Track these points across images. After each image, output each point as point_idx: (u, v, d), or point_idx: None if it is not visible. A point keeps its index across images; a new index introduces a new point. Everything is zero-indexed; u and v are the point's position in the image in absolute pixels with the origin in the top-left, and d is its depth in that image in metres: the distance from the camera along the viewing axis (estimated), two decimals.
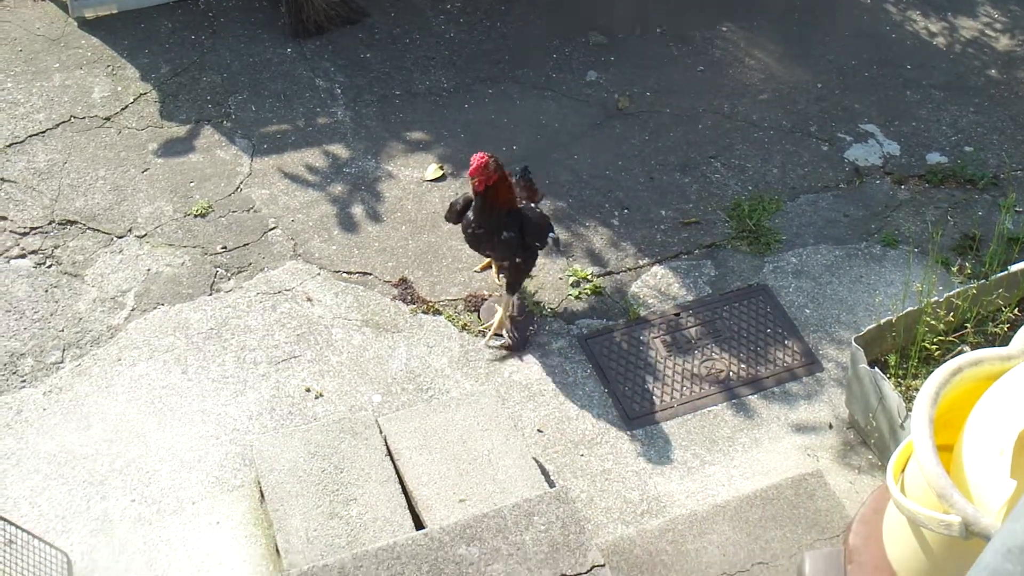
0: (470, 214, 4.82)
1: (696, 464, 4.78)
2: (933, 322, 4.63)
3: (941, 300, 4.67)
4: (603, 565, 3.24)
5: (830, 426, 4.96)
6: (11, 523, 4.21)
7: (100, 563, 4.36)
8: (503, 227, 4.76)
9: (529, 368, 5.07)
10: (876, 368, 4.50)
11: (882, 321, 4.67)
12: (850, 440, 4.90)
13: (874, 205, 6.00)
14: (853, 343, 4.59)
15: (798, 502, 4.06)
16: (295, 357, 5.07)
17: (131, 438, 4.74)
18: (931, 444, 2.46)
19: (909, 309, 4.69)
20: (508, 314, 5.19)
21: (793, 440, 4.90)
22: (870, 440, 4.78)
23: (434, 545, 3.24)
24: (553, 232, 5.04)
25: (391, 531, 4.09)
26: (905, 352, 4.71)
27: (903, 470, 2.76)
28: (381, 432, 4.49)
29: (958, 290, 4.72)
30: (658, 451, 4.82)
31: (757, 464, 4.78)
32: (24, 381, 4.93)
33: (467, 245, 5.06)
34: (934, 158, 6.27)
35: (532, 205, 5.02)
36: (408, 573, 3.17)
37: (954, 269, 5.49)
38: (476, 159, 4.47)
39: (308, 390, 4.95)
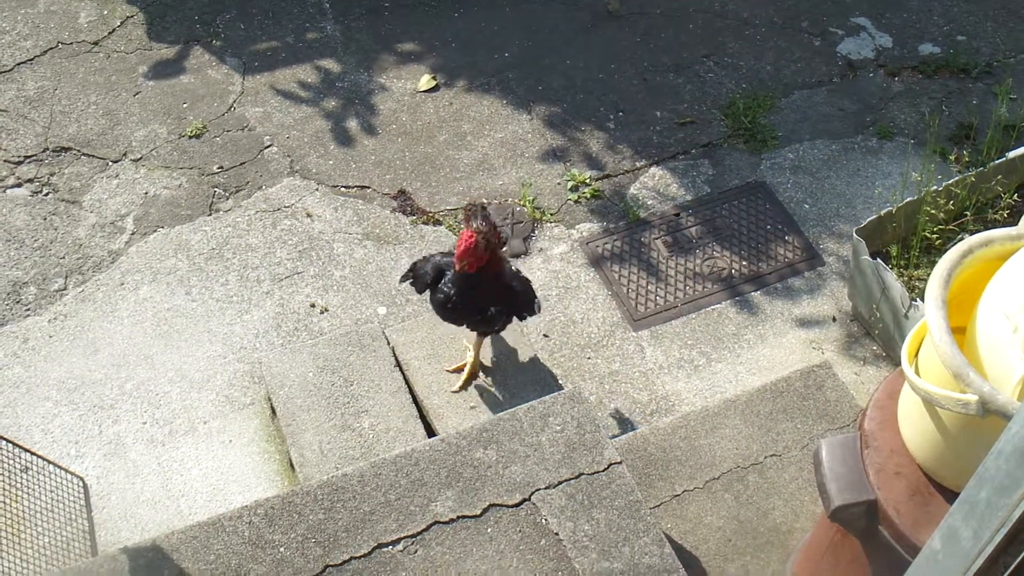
0: (447, 287, 4.04)
1: (703, 362, 4.80)
2: (933, 211, 4.63)
3: (940, 189, 4.67)
4: (620, 462, 3.27)
5: (834, 319, 4.98)
6: (26, 449, 4.23)
7: (116, 486, 4.38)
8: (491, 302, 4.06)
9: (532, 274, 5.07)
10: (878, 259, 4.51)
11: (882, 212, 4.67)
12: (854, 332, 4.92)
13: (868, 98, 5.98)
14: (854, 235, 4.60)
15: (807, 393, 4.09)
16: (298, 273, 5.07)
17: (139, 361, 4.75)
18: (945, 324, 2.47)
19: (908, 199, 4.69)
20: (476, 360, 4.42)
21: (798, 334, 4.92)
22: (874, 331, 4.80)
23: (451, 450, 3.26)
24: (536, 298, 4.30)
25: (404, 441, 4.12)
26: (906, 242, 4.72)
27: (916, 354, 2.77)
28: (389, 343, 4.50)
29: (956, 179, 4.72)
30: (664, 351, 4.84)
31: (763, 360, 4.81)
32: (28, 310, 4.93)
33: (439, 310, 4.17)
34: (927, 49, 6.24)
35: (514, 269, 4.27)
36: (427, 478, 3.19)
37: (951, 158, 5.49)
38: (464, 240, 3.72)
39: (313, 305, 4.96)
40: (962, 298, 2.70)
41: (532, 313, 4.26)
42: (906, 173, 5.31)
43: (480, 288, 3.97)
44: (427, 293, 4.17)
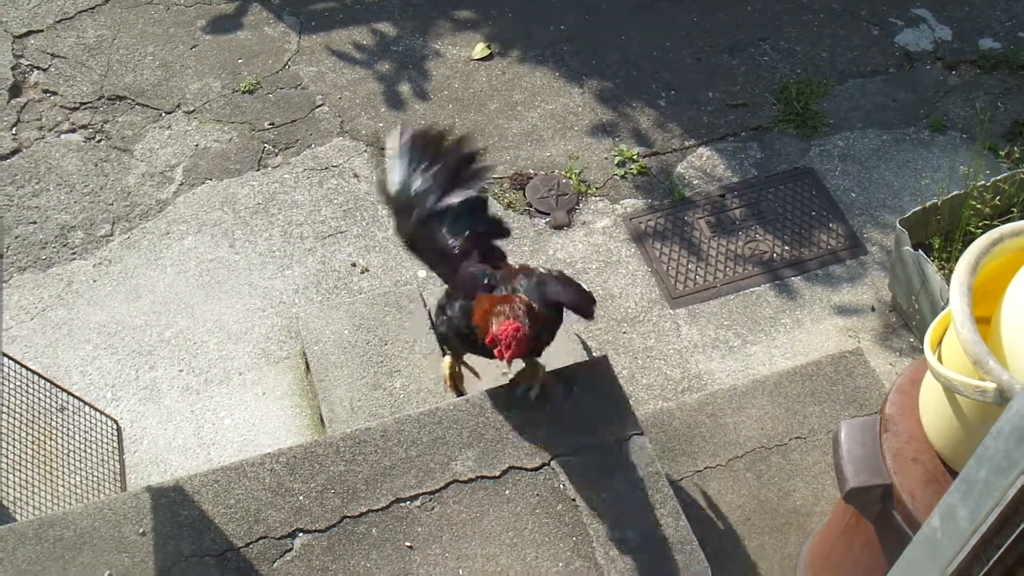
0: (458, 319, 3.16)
1: (738, 344, 4.81)
2: (979, 206, 4.61)
3: (988, 184, 4.65)
4: (642, 433, 3.28)
5: (872, 309, 4.97)
6: (63, 389, 4.30)
7: (149, 430, 4.44)
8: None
9: (574, 246, 5.09)
10: (920, 251, 4.50)
11: (927, 204, 4.65)
12: (892, 323, 4.91)
13: (923, 90, 5.94)
14: (898, 225, 4.58)
15: (837, 379, 4.08)
16: (341, 232, 5.11)
17: (179, 310, 4.81)
18: (969, 311, 2.47)
19: (955, 193, 4.67)
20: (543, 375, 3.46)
21: (835, 322, 4.91)
22: (912, 323, 4.79)
23: (475, 411, 3.29)
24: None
25: (434, 402, 4.14)
26: (950, 236, 4.70)
27: (940, 341, 2.77)
28: (425, 306, 4.52)
29: (1005, 175, 4.69)
30: (700, 330, 4.84)
31: (799, 344, 4.80)
32: (75, 253, 5.00)
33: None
34: (987, 44, 6.19)
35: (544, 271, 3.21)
36: (449, 437, 3.22)
37: (1002, 154, 5.45)
38: (509, 331, 2.84)
39: (354, 265, 4.99)
40: (989, 287, 2.69)
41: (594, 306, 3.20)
42: (954, 166, 5.28)
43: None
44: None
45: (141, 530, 3.05)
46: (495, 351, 2.86)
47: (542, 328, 3.00)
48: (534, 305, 2.95)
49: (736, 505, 3.73)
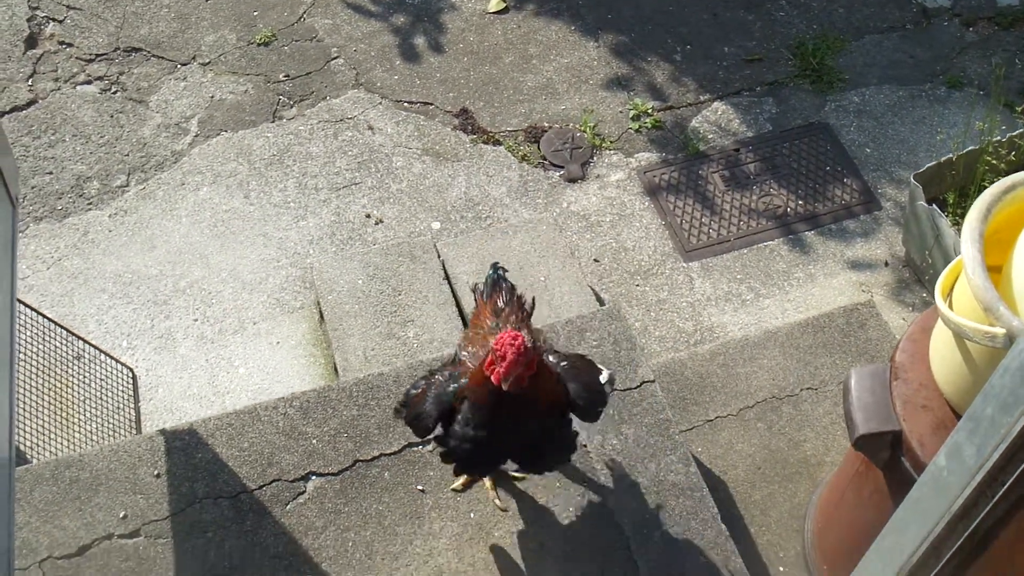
0: (469, 428, 2.59)
1: (750, 297, 4.81)
2: (994, 161, 4.60)
3: (1003, 140, 4.64)
4: (653, 381, 3.30)
5: (886, 264, 4.97)
6: (80, 338, 4.32)
7: (164, 379, 4.47)
8: (555, 435, 2.71)
9: (588, 199, 5.10)
10: (934, 206, 4.49)
11: (942, 159, 4.65)
12: (905, 278, 4.91)
13: (940, 47, 5.92)
14: (912, 180, 4.58)
15: (849, 331, 4.09)
16: (356, 184, 5.12)
17: (194, 260, 4.83)
18: (980, 258, 2.47)
19: (970, 148, 4.66)
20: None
21: (848, 276, 4.91)
22: (925, 277, 4.79)
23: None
24: (603, 372, 2.81)
25: (447, 351, 4.17)
26: (964, 191, 4.70)
27: (951, 290, 2.78)
28: (439, 256, 4.54)
29: (1021, 130, 4.68)
30: (713, 283, 4.85)
31: (812, 299, 4.81)
32: (90, 204, 5.02)
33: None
34: (1004, 1, 6.16)
35: (551, 360, 2.73)
36: None
37: (1018, 110, 5.44)
38: (508, 346, 2.33)
39: (368, 216, 5.01)
40: (1001, 235, 2.70)
41: (603, 405, 2.79)
42: (969, 122, 5.27)
43: (523, 409, 2.52)
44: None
45: (156, 472, 3.08)
46: (489, 371, 2.38)
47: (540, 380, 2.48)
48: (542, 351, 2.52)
49: (747, 454, 3.75)
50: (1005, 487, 1.70)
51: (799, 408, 3.86)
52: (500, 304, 2.81)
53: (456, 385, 2.61)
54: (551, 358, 2.65)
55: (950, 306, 2.70)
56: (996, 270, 2.64)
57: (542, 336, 2.81)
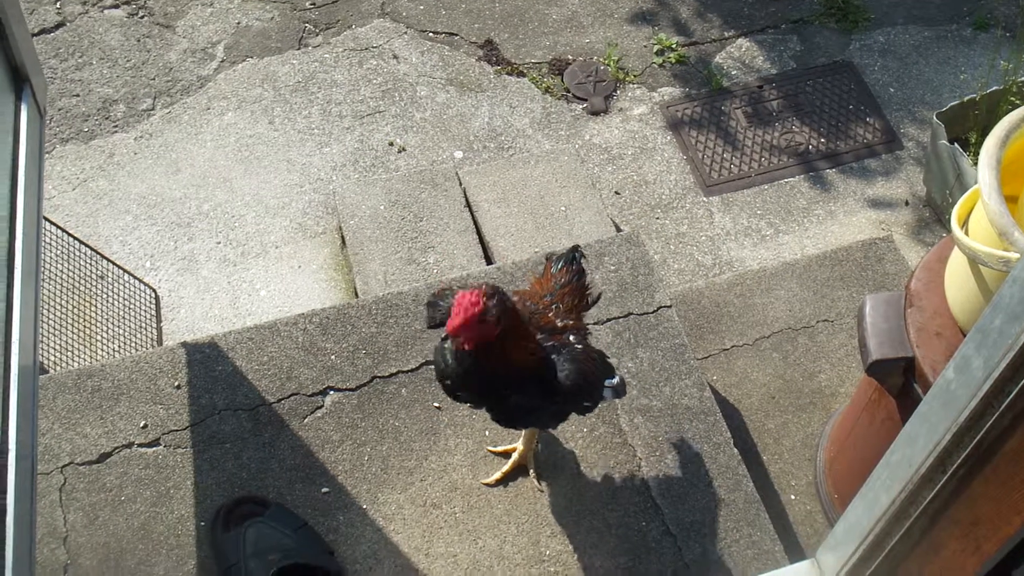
0: (445, 355, 2.53)
1: (770, 233, 4.83)
2: (1017, 102, 4.59)
3: None
4: (670, 306, 3.32)
5: (906, 203, 4.97)
6: (104, 257, 4.37)
7: (186, 300, 4.52)
8: (512, 389, 2.52)
9: (610, 132, 5.11)
10: (956, 145, 4.49)
11: (965, 99, 4.64)
12: (925, 217, 4.92)
13: None
14: (934, 118, 4.58)
15: (867, 264, 4.10)
16: (379, 112, 5.14)
17: (218, 183, 4.86)
18: (996, 184, 2.49)
19: (994, 88, 4.65)
20: (532, 449, 3.10)
21: (868, 214, 4.92)
22: (945, 217, 4.79)
23: (506, 278, 3.34)
24: (613, 377, 2.80)
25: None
26: (986, 131, 4.66)
27: (967, 218, 2.79)
28: (461, 184, 4.56)
29: None
30: (733, 218, 4.87)
31: (831, 236, 4.82)
32: (116, 126, 5.05)
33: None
34: None
35: (571, 339, 2.59)
36: None
37: None
38: (463, 304, 2.25)
39: (391, 144, 5.03)
40: (1018, 166, 2.71)
41: (597, 401, 2.73)
42: (993, 62, 5.25)
43: (497, 376, 2.47)
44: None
45: (176, 383, 3.12)
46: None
47: (508, 343, 2.38)
48: (512, 315, 2.37)
49: (761, 383, 3.78)
50: (1011, 397, 1.73)
51: (815, 340, 3.88)
52: (563, 280, 2.71)
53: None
54: (572, 337, 2.57)
55: (966, 234, 2.72)
56: (1012, 200, 2.66)
57: (582, 327, 2.67)
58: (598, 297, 2.79)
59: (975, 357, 1.79)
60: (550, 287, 2.70)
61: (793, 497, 3.58)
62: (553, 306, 2.64)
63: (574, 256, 2.74)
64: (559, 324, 2.58)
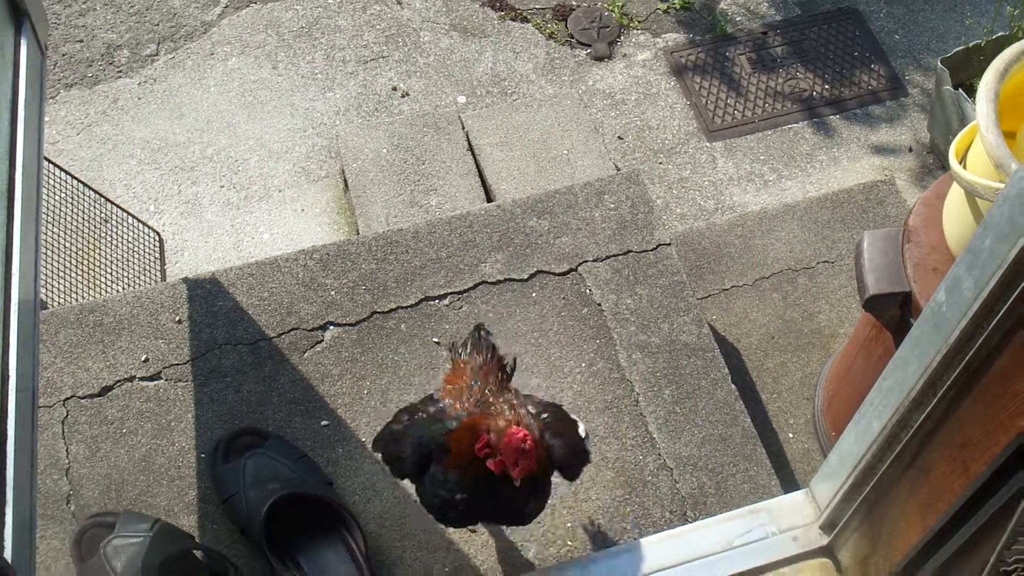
0: (446, 488, 2.29)
1: (773, 178, 4.83)
2: None
3: None
4: (669, 244, 3.33)
5: (910, 149, 4.97)
6: (109, 200, 4.38)
7: (189, 243, 4.54)
8: (529, 496, 2.34)
9: (613, 77, 5.11)
10: (960, 90, 4.49)
11: (970, 44, 4.63)
12: (929, 164, 4.92)
13: None
14: (939, 64, 4.57)
15: (868, 207, 4.11)
16: (383, 57, 5.14)
17: (221, 128, 4.87)
18: (994, 116, 2.49)
19: (1000, 34, 4.64)
20: None
21: (871, 160, 4.92)
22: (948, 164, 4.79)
23: (506, 216, 3.35)
24: (578, 424, 2.49)
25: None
26: None
27: (965, 154, 2.79)
28: (463, 128, 4.57)
29: None
30: (736, 163, 4.87)
31: (833, 181, 4.82)
32: (120, 71, 5.05)
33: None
34: None
35: (531, 411, 2.36)
36: (479, 240, 3.28)
37: None
38: (517, 441, 2.09)
39: (395, 89, 5.03)
40: (1017, 101, 2.71)
41: (584, 464, 2.48)
42: (999, 7, 5.24)
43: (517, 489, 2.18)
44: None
45: (177, 318, 3.14)
46: (494, 464, 2.15)
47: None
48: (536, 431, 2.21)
49: (761, 323, 3.79)
50: (999, 315, 1.74)
51: (815, 280, 3.89)
52: (479, 361, 2.54)
53: (437, 428, 2.33)
54: (530, 407, 2.40)
55: (964, 168, 2.72)
56: (1011, 136, 2.66)
57: (519, 397, 2.47)
58: (514, 363, 2.59)
59: (966, 278, 1.80)
60: (468, 375, 2.51)
61: (791, 435, 3.60)
62: (486, 390, 2.44)
63: (479, 334, 2.61)
64: (509, 407, 2.34)
